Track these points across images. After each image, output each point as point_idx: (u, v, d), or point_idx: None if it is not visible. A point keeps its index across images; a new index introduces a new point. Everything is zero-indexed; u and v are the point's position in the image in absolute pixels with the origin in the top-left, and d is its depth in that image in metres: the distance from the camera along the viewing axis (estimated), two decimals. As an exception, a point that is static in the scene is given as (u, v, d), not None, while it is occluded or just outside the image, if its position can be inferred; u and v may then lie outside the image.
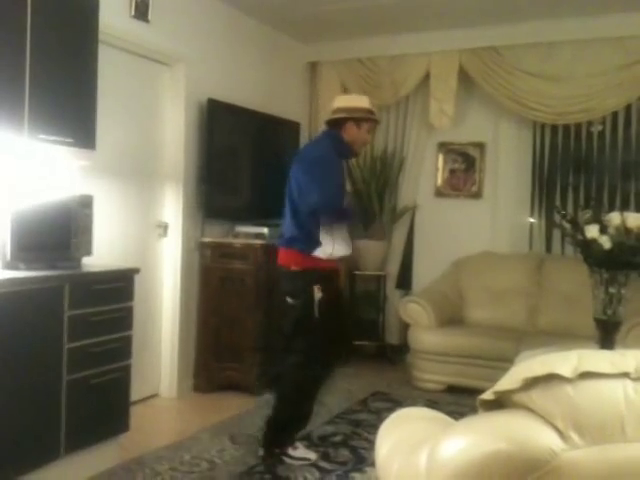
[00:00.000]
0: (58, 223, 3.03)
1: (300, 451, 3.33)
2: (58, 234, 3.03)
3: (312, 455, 3.32)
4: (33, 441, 2.71)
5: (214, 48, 4.61)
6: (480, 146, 5.41)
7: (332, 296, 3.31)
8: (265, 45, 5.19)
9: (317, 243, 3.26)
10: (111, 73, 3.71)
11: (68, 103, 3.08)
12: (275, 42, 5.33)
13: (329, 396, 3.80)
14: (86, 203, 3.17)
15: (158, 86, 4.30)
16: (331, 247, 3.28)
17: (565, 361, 1.25)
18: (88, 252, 3.18)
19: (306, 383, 3.32)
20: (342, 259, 3.43)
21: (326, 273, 3.30)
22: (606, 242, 2.91)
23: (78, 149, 3.17)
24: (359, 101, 3.51)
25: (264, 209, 4.95)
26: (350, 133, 3.37)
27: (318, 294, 3.22)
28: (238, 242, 4.50)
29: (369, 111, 3.43)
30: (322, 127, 5.55)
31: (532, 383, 1.26)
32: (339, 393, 4.39)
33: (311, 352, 3.27)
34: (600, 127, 5.03)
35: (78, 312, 2.88)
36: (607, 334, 3.01)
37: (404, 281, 5.61)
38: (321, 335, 3.25)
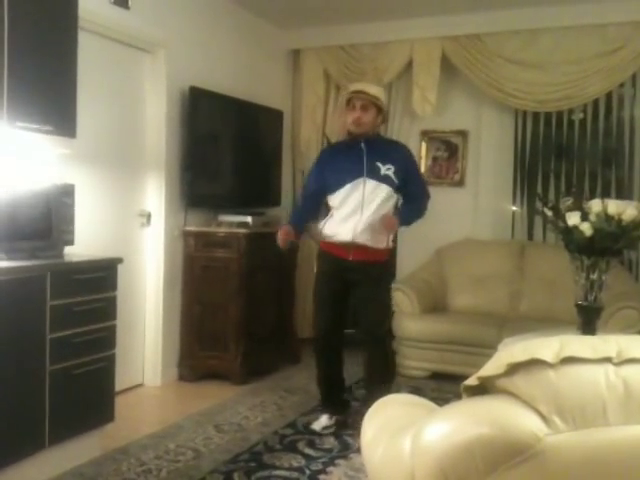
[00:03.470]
0: (39, 212, 2.99)
1: (317, 423, 3.58)
2: (39, 223, 2.99)
3: (325, 421, 3.57)
4: (17, 432, 2.69)
5: (196, 35, 4.56)
6: (463, 134, 5.42)
7: (331, 279, 3.52)
8: (247, 32, 5.14)
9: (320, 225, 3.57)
10: (91, 60, 3.66)
11: (48, 90, 3.03)
12: (257, 29, 5.29)
13: (313, 384, 3.82)
14: (67, 192, 3.13)
15: (139, 73, 4.25)
16: (327, 230, 3.51)
17: (547, 347, 1.26)
18: (70, 242, 3.15)
19: (314, 347, 3.71)
20: (345, 246, 3.45)
21: (326, 254, 3.55)
22: (587, 229, 2.93)
23: (58, 137, 3.12)
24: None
25: (247, 197, 4.94)
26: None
27: (315, 269, 3.72)
28: (222, 231, 4.48)
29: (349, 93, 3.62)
30: (304, 115, 5.62)
31: (515, 368, 1.27)
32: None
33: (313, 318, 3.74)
34: (581, 115, 5.06)
35: (61, 302, 2.85)
36: (588, 320, 3.05)
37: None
38: (316, 307, 3.63)
